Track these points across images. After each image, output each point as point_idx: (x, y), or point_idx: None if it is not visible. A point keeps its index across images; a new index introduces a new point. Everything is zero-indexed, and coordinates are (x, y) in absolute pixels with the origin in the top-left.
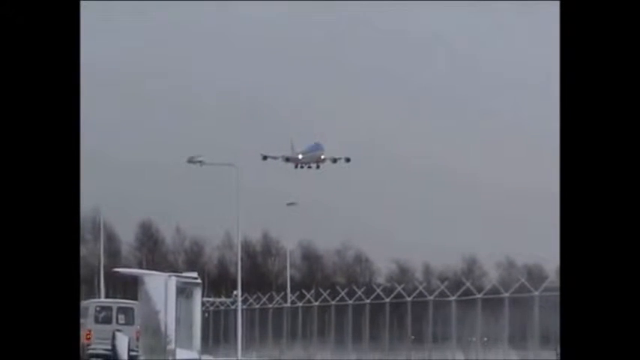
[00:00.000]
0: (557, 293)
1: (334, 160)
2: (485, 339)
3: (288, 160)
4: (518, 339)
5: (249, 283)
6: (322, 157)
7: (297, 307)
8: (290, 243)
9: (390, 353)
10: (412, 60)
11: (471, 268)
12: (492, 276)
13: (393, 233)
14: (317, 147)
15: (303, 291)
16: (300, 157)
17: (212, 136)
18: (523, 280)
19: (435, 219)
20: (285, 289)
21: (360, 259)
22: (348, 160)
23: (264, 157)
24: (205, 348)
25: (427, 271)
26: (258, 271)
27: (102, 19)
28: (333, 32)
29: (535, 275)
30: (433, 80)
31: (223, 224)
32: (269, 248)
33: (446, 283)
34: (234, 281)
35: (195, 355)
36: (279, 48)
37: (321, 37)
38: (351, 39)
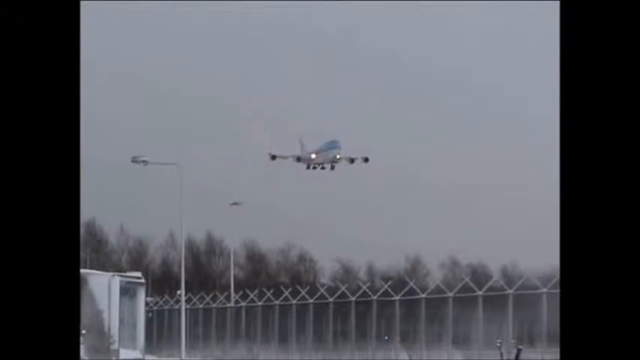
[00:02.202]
0: (501, 293)
1: (351, 160)
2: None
3: (299, 159)
4: (462, 339)
5: (192, 283)
6: (338, 156)
7: (241, 307)
8: (234, 243)
9: (334, 353)
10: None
11: (415, 267)
12: (436, 276)
13: (337, 233)
14: (333, 145)
15: (247, 291)
16: (313, 156)
17: (156, 135)
18: (467, 279)
19: (378, 218)
20: (228, 288)
21: (304, 259)
22: (366, 160)
23: (273, 157)
24: (149, 348)
25: (371, 270)
26: (202, 270)
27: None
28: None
29: (479, 275)
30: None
31: (167, 224)
32: (213, 248)
33: (390, 282)
34: (178, 281)
35: (139, 355)
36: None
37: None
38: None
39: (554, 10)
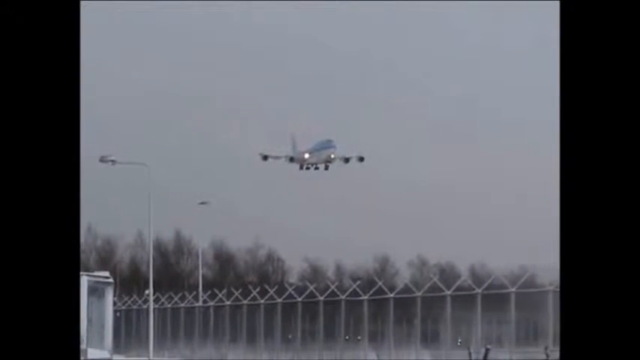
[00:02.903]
0: (470, 292)
1: (346, 160)
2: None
3: (292, 160)
4: (430, 338)
5: (161, 283)
6: (332, 156)
7: (209, 307)
8: (202, 242)
9: (302, 353)
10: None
11: (384, 267)
12: (405, 275)
13: (305, 232)
14: (327, 144)
15: (215, 290)
16: (306, 156)
17: (124, 135)
18: (435, 279)
19: (347, 217)
20: (197, 288)
21: (272, 259)
22: (361, 159)
23: (265, 157)
24: (117, 348)
25: (339, 270)
26: (170, 270)
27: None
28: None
29: (448, 274)
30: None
31: (135, 223)
32: (181, 247)
33: (358, 282)
34: (146, 280)
35: (107, 355)
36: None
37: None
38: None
39: (554, 10)
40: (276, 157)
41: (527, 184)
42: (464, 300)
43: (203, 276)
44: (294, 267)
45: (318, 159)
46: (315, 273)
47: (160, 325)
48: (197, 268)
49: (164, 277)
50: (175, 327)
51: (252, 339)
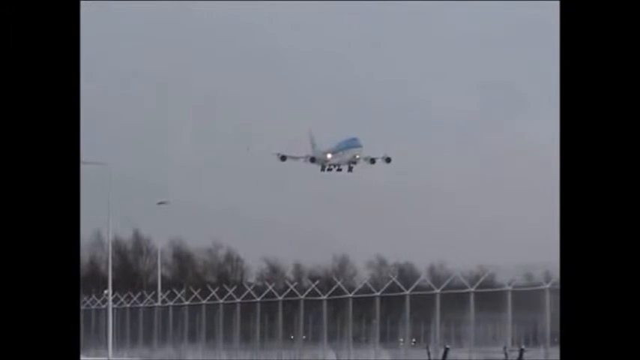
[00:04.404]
0: (429, 292)
1: (372, 161)
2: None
3: (313, 160)
4: (389, 338)
5: (119, 282)
6: (357, 156)
7: (168, 307)
8: (161, 242)
9: (261, 353)
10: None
11: (343, 267)
12: (363, 275)
13: (264, 232)
14: (352, 143)
15: (174, 290)
16: (329, 156)
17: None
18: (394, 279)
19: (306, 217)
20: (155, 288)
21: (231, 258)
22: (388, 160)
23: (283, 158)
24: None
25: (298, 270)
26: (129, 269)
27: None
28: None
29: (407, 274)
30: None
31: (94, 223)
32: (140, 247)
33: (317, 282)
34: (105, 280)
35: None
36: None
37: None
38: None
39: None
40: (295, 158)
41: (486, 185)
42: (423, 300)
43: (162, 276)
44: (253, 267)
45: (341, 159)
46: (274, 273)
47: (119, 325)
48: (156, 267)
49: (123, 277)
50: (134, 327)
51: (211, 339)
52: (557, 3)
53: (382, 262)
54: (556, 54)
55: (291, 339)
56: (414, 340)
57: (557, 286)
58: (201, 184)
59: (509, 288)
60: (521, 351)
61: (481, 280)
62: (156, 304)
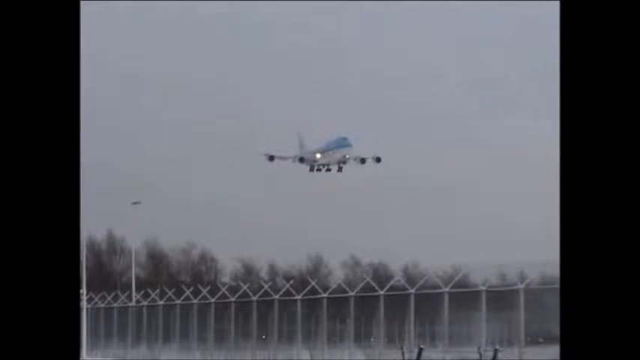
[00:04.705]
0: (403, 292)
1: (362, 161)
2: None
3: (302, 160)
4: (363, 338)
5: (94, 282)
6: (347, 156)
7: (142, 306)
8: (135, 242)
9: (236, 353)
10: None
11: (317, 267)
12: (338, 275)
13: (239, 232)
14: (342, 143)
15: (148, 290)
16: (318, 156)
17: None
18: (368, 279)
19: (280, 217)
20: (130, 288)
21: (206, 258)
22: (378, 159)
23: (271, 158)
24: None
25: (272, 270)
26: (103, 269)
27: None
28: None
29: (381, 274)
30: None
31: None
32: (114, 247)
33: (291, 282)
34: (79, 280)
35: None
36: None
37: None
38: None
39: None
40: (283, 158)
41: (459, 184)
42: (397, 300)
43: (136, 276)
44: (227, 267)
45: (331, 159)
46: (248, 273)
47: (93, 325)
48: (130, 267)
49: (97, 277)
50: (108, 327)
51: (185, 338)
52: (557, 3)
53: (356, 262)
54: (556, 54)
55: (264, 339)
56: (372, 338)
57: (531, 286)
58: (177, 184)
59: (484, 288)
60: (496, 351)
61: (455, 280)
62: (130, 304)
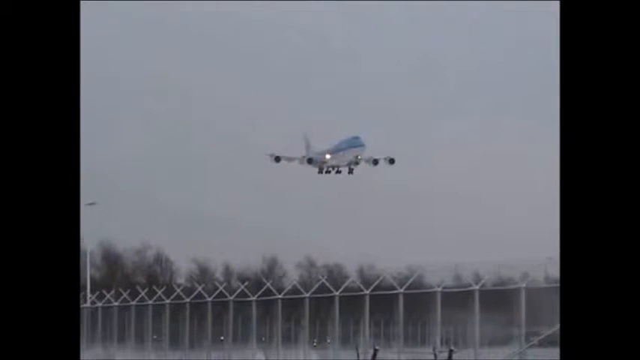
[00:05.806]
0: (358, 293)
1: (375, 162)
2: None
3: (310, 161)
4: (318, 339)
5: None
6: (359, 157)
7: (97, 308)
8: (90, 243)
9: (191, 353)
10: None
11: (272, 268)
12: (293, 276)
13: (193, 233)
14: (354, 143)
15: (103, 291)
16: (327, 157)
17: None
18: (323, 280)
19: (235, 218)
20: (85, 289)
21: (160, 259)
22: (392, 161)
23: (277, 159)
24: None
25: (227, 271)
26: None
27: None
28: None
29: (336, 275)
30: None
31: None
32: None
33: (246, 283)
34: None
35: None
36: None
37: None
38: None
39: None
40: (290, 159)
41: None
42: (352, 301)
43: (91, 277)
44: (182, 268)
45: (341, 160)
46: (203, 274)
47: None
48: (85, 268)
49: None
50: None
51: (140, 339)
52: (557, 3)
53: (311, 264)
54: (556, 54)
55: (221, 340)
56: (314, 340)
57: (486, 287)
58: (132, 184)
59: (439, 289)
60: (451, 352)
61: (410, 281)
62: (85, 305)
